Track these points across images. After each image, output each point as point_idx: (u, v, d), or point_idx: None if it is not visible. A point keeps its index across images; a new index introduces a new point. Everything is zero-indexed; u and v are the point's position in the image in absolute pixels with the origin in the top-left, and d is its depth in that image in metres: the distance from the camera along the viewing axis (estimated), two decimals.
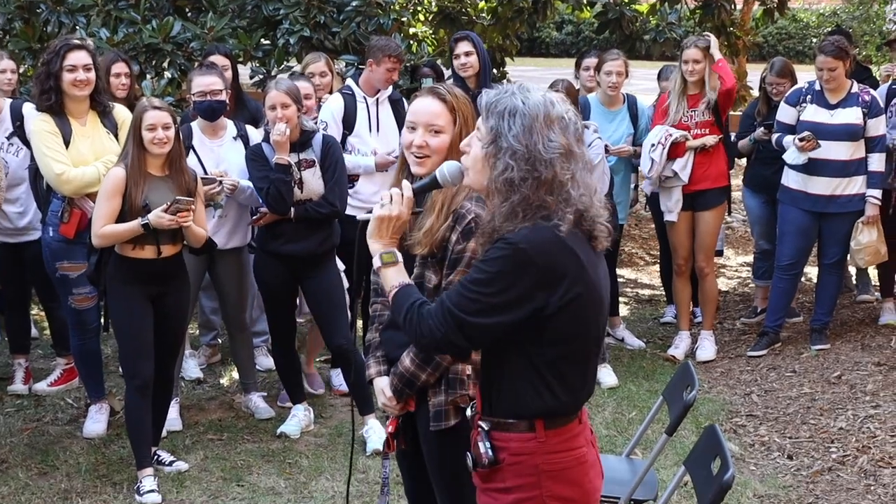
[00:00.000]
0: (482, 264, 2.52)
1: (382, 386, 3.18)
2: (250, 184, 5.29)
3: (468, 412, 2.79)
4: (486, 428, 2.63)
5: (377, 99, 6.02)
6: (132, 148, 4.64)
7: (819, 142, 6.12)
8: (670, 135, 6.32)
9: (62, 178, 5.01)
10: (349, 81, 6.19)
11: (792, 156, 6.25)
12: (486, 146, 2.55)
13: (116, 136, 5.18)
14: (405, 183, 2.73)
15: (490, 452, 2.60)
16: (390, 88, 6.20)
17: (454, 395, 3.07)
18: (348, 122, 5.95)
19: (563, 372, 2.58)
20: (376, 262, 2.67)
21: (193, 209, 4.64)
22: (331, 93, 6.17)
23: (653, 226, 10.14)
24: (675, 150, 6.35)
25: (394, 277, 2.65)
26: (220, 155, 5.43)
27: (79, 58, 5.04)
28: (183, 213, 4.58)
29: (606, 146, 6.35)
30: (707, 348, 6.65)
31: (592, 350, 2.66)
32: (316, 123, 5.60)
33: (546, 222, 2.50)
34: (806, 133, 6.15)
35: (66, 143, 5.06)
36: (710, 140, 6.35)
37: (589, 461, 2.67)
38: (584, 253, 2.55)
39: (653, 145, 6.40)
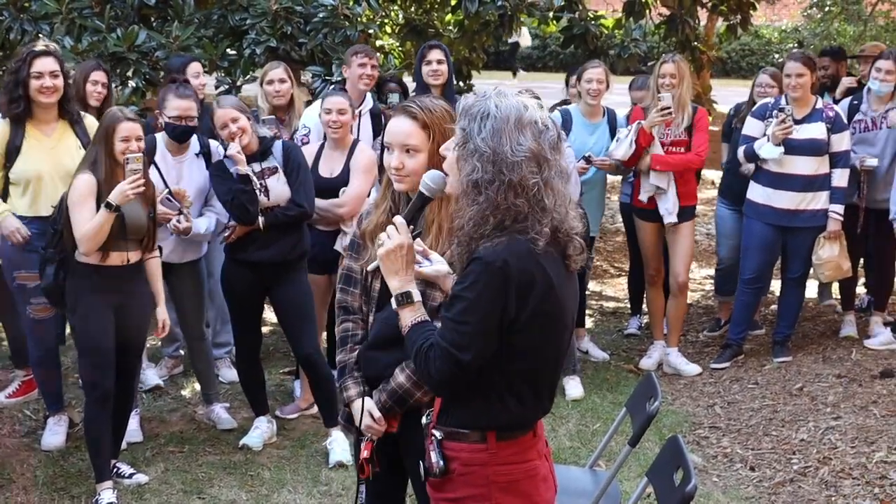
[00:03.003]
0: (462, 290, 2.50)
1: (369, 407, 3.05)
2: (208, 222, 5.39)
3: (423, 420, 2.77)
4: (438, 437, 2.63)
5: (359, 111, 6.04)
6: (104, 158, 4.57)
7: (793, 126, 6.14)
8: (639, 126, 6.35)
9: None
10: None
11: (767, 150, 6.24)
12: (457, 148, 2.56)
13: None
14: (396, 218, 2.70)
15: (441, 462, 2.60)
16: (369, 100, 6.26)
17: None
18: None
19: (519, 387, 2.57)
20: (393, 303, 2.66)
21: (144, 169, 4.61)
22: (291, 101, 6.18)
23: (618, 238, 10.16)
24: (641, 137, 6.33)
25: (408, 317, 2.63)
26: (181, 171, 5.40)
27: (45, 64, 5.01)
28: (137, 174, 4.52)
29: (590, 157, 6.37)
30: (688, 364, 6.63)
31: (551, 368, 2.65)
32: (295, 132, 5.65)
33: (522, 235, 2.49)
34: (786, 107, 6.17)
35: (16, 150, 5.03)
36: (667, 101, 6.27)
37: (540, 474, 2.65)
38: (554, 271, 2.53)
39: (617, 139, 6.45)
